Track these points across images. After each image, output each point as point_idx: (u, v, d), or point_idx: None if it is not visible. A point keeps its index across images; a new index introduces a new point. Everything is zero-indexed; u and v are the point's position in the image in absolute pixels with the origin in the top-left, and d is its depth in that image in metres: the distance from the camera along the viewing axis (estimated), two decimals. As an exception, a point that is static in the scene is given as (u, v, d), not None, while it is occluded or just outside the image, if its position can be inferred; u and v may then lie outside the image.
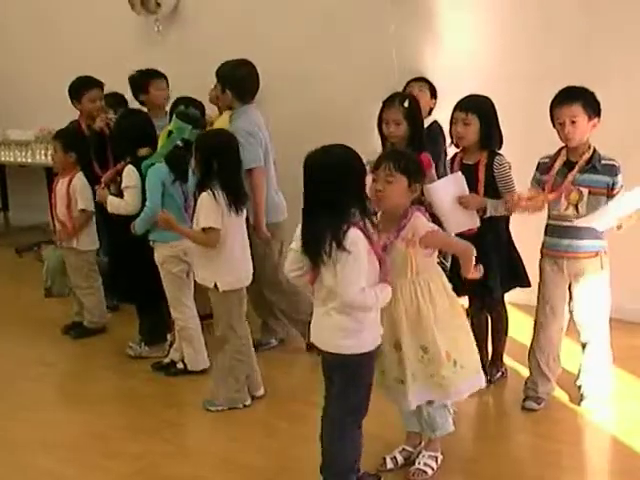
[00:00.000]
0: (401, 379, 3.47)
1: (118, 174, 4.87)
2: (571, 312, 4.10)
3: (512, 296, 4.49)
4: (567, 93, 3.90)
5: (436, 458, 3.63)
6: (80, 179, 5.28)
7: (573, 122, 3.84)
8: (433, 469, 3.60)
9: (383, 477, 3.58)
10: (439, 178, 4.38)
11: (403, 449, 3.71)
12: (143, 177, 4.65)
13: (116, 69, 5.66)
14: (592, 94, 3.89)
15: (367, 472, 3.51)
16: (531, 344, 4.20)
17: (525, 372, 4.35)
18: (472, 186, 4.18)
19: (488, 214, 4.17)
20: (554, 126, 3.93)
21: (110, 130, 5.36)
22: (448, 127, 4.31)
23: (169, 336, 5.00)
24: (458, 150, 4.33)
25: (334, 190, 3.10)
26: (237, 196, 4.15)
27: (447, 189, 4.12)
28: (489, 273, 4.22)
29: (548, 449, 3.87)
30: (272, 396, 4.44)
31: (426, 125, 4.77)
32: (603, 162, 3.88)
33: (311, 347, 4.90)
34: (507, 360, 4.61)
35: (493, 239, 4.24)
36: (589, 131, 3.88)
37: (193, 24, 6.90)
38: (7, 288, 6.66)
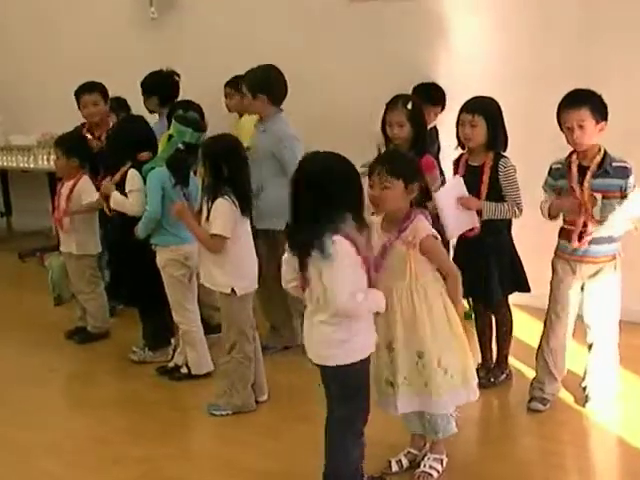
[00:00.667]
0: (391, 381, 3.46)
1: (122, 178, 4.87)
2: (580, 313, 4.09)
3: (516, 298, 4.48)
4: (574, 97, 3.88)
5: (441, 460, 3.63)
6: (87, 181, 5.29)
7: (581, 126, 3.82)
8: (439, 471, 3.59)
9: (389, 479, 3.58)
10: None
11: (408, 452, 3.70)
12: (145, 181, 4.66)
13: (118, 70, 5.67)
14: (599, 97, 3.88)
15: (371, 475, 3.49)
16: (540, 344, 4.19)
17: (529, 373, 4.34)
18: (476, 187, 4.18)
19: (484, 217, 4.17)
20: (561, 130, 3.92)
21: (107, 135, 5.36)
22: (455, 129, 4.30)
23: (173, 340, 4.99)
24: (463, 151, 4.33)
25: (317, 198, 3.05)
26: (246, 201, 4.15)
27: (450, 193, 4.14)
28: (490, 276, 4.24)
29: (553, 451, 3.86)
30: (276, 400, 4.43)
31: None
32: (614, 164, 3.87)
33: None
34: (512, 361, 4.60)
35: (494, 242, 4.25)
36: (596, 135, 3.86)
37: (190, 10, 6.89)
38: (10, 293, 6.65)
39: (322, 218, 3.05)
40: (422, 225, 3.40)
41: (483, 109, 4.20)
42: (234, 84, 5.96)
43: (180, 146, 4.55)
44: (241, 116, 5.87)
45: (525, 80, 5.38)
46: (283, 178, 4.45)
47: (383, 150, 3.98)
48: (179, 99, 5.65)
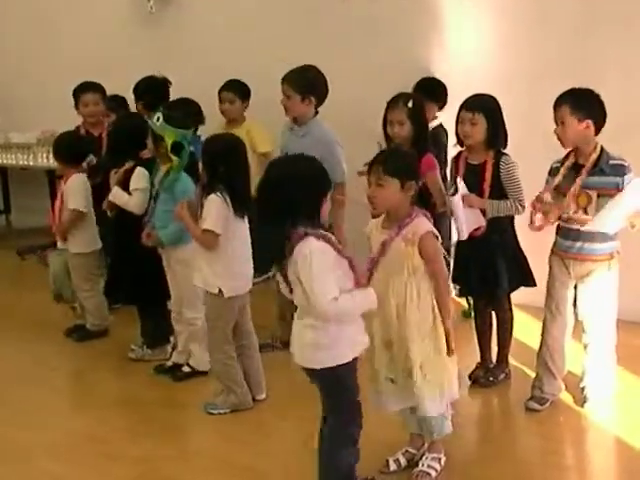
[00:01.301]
0: (391, 378, 3.47)
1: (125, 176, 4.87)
2: (576, 312, 4.10)
3: (517, 297, 4.48)
4: (559, 96, 3.93)
5: (439, 460, 3.62)
6: (74, 180, 5.26)
7: (563, 123, 3.88)
8: (437, 471, 3.59)
9: (387, 478, 3.57)
10: (442, 180, 4.41)
11: (406, 451, 3.70)
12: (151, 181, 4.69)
13: (117, 68, 5.66)
14: (585, 96, 3.89)
15: (365, 478, 3.46)
16: (540, 342, 4.20)
17: (529, 373, 4.35)
18: (478, 186, 4.19)
19: (489, 215, 4.18)
20: None
21: (107, 134, 5.36)
22: (453, 126, 4.32)
23: (171, 338, 4.98)
24: (462, 149, 4.33)
25: (281, 202, 3.03)
26: (242, 200, 4.11)
27: (461, 192, 4.17)
28: (497, 271, 4.24)
29: (551, 450, 3.87)
30: (274, 398, 4.42)
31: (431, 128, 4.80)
32: (611, 162, 3.87)
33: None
34: (511, 361, 4.59)
35: (498, 239, 4.26)
36: (583, 133, 3.87)
37: (188, 7, 6.88)
38: (9, 291, 6.65)
39: (287, 221, 3.03)
40: (422, 222, 3.41)
41: (483, 107, 4.20)
42: (236, 88, 5.75)
43: (191, 149, 4.52)
44: (228, 122, 5.76)
45: (522, 77, 5.38)
46: None
47: (384, 148, 3.96)
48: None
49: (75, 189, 5.25)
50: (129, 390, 4.71)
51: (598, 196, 3.85)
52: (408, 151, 3.95)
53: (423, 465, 3.59)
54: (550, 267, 4.12)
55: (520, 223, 4.30)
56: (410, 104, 4.33)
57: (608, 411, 4.12)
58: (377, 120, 4.44)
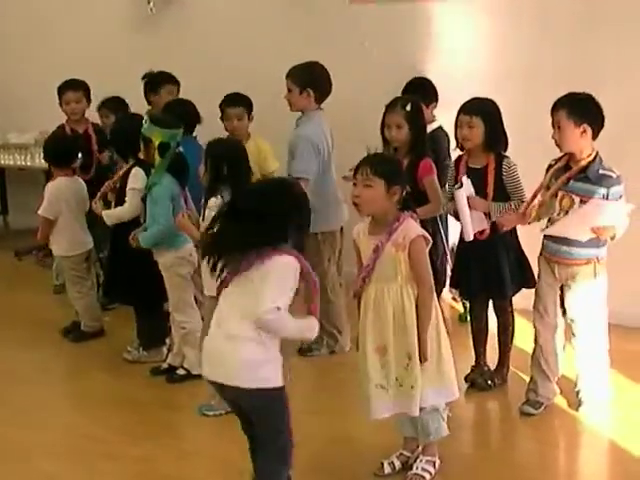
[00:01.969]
0: (382, 385, 3.47)
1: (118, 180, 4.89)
2: (564, 316, 4.13)
3: (515, 302, 4.48)
4: (558, 100, 3.94)
5: (434, 463, 3.63)
6: (52, 185, 5.29)
7: (559, 127, 3.90)
8: (431, 474, 3.60)
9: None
10: (441, 184, 4.41)
11: (400, 454, 3.70)
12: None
13: (116, 68, 5.66)
14: (582, 101, 3.91)
15: None
16: (533, 345, 4.21)
17: (525, 378, 4.34)
18: (481, 190, 4.21)
19: (493, 218, 4.20)
20: None
21: (105, 134, 5.37)
22: (453, 130, 4.34)
23: (167, 340, 4.99)
24: (462, 153, 4.35)
25: (251, 221, 3.01)
26: None
27: (465, 193, 4.19)
28: (502, 272, 4.25)
29: (546, 454, 3.88)
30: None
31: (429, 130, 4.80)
32: (601, 172, 3.88)
33: (302, 351, 4.98)
34: (507, 365, 4.60)
35: (500, 241, 4.26)
36: (579, 138, 3.88)
37: (189, 6, 6.86)
38: (6, 291, 6.64)
39: (257, 239, 3.01)
40: (412, 226, 3.42)
41: (481, 110, 4.22)
42: (243, 103, 5.29)
43: (180, 149, 4.54)
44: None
45: (518, 79, 5.38)
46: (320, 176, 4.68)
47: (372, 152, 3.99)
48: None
49: (48, 195, 5.26)
50: (126, 390, 4.70)
51: (581, 202, 3.87)
52: (392, 156, 4.01)
53: (417, 468, 3.60)
54: (539, 269, 4.17)
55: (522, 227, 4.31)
56: (408, 107, 4.34)
57: (603, 415, 4.12)
58: (368, 124, 4.45)
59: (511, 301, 4.45)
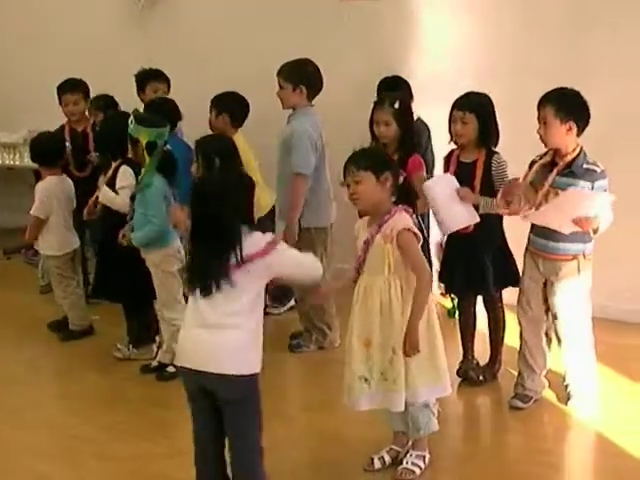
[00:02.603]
0: (366, 377, 3.48)
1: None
2: (548, 311, 4.15)
3: (504, 297, 4.49)
4: (543, 96, 3.96)
5: (424, 457, 3.65)
6: (41, 184, 5.30)
7: (545, 123, 3.91)
8: (421, 468, 3.62)
9: (372, 476, 3.58)
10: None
11: (391, 449, 3.72)
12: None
13: (106, 67, 5.64)
14: (570, 97, 3.92)
15: None
16: (519, 339, 4.24)
17: (514, 373, 4.36)
18: (469, 183, 4.22)
19: (481, 211, 4.20)
20: None
21: (95, 132, 5.36)
22: (440, 126, 4.35)
23: (157, 337, 4.99)
24: (455, 147, 4.36)
25: (216, 219, 3.01)
26: None
27: (442, 186, 4.18)
28: (485, 268, 4.27)
29: (536, 448, 3.90)
30: (263, 396, 4.42)
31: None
32: (585, 166, 3.90)
33: (291, 347, 5.01)
34: (497, 360, 4.62)
35: (486, 236, 4.28)
36: (565, 135, 3.90)
37: (180, 3, 6.83)
38: (-5, 291, 6.64)
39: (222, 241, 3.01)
40: (401, 218, 3.44)
41: (474, 106, 4.24)
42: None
43: (168, 147, 4.54)
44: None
45: (507, 74, 5.39)
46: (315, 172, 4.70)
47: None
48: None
49: (40, 194, 5.27)
50: (117, 389, 4.71)
51: None
52: (375, 147, 4.06)
53: (407, 463, 3.62)
54: (524, 263, 4.19)
55: (508, 221, 4.33)
56: (396, 105, 4.38)
57: (592, 408, 4.14)
58: (356, 124, 4.46)
59: (501, 296, 4.47)
